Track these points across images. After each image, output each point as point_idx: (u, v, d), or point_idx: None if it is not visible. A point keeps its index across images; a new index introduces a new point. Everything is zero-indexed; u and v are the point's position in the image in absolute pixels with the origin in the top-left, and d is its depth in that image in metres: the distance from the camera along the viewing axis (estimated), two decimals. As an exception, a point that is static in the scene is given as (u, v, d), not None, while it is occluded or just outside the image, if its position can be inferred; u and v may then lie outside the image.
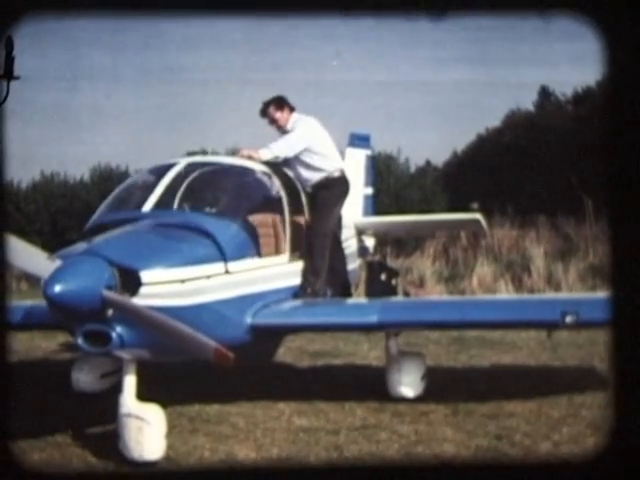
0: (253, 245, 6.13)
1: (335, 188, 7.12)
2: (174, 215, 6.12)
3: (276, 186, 6.76)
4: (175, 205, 6.41)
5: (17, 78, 4.34)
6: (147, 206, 5.89)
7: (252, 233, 6.18)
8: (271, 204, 6.65)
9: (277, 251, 6.46)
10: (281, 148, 6.90)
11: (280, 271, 6.45)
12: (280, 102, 7.10)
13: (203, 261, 5.50)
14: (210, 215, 6.29)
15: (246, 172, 6.79)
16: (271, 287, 6.33)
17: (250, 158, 6.80)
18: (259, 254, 6.17)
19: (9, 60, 4.26)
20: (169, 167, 6.39)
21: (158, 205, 5.96)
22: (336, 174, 7.12)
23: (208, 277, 5.50)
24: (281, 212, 6.60)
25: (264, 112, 7.14)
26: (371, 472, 2.90)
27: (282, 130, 7.11)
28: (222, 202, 6.66)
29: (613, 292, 2.73)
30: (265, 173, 6.83)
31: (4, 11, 2.87)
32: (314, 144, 6.96)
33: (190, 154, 7.18)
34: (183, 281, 5.29)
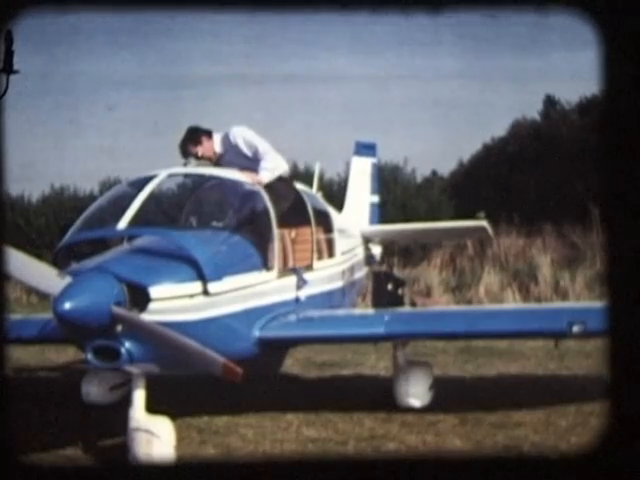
0: (259, 258, 6.16)
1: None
2: (149, 232, 5.79)
3: (264, 199, 6.46)
4: (183, 219, 6.46)
5: (17, 72, 4.37)
6: (123, 223, 5.60)
7: (257, 246, 6.19)
8: (260, 217, 6.40)
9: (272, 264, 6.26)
10: (274, 165, 6.67)
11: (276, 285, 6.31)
12: (194, 136, 6.77)
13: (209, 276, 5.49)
14: (197, 231, 6.18)
15: (234, 183, 6.63)
16: (279, 299, 6.37)
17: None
18: (266, 267, 6.19)
19: (9, 54, 4.30)
20: (148, 180, 6.03)
21: (135, 221, 5.64)
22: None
23: (216, 292, 5.51)
24: (269, 225, 6.32)
25: (185, 152, 6.80)
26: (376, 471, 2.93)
27: (213, 159, 6.84)
28: (214, 216, 6.59)
29: (611, 300, 2.76)
30: (251, 185, 6.57)
31: (4, 5, 2.90)
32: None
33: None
34: (192, 296, 5.34)
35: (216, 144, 6.87)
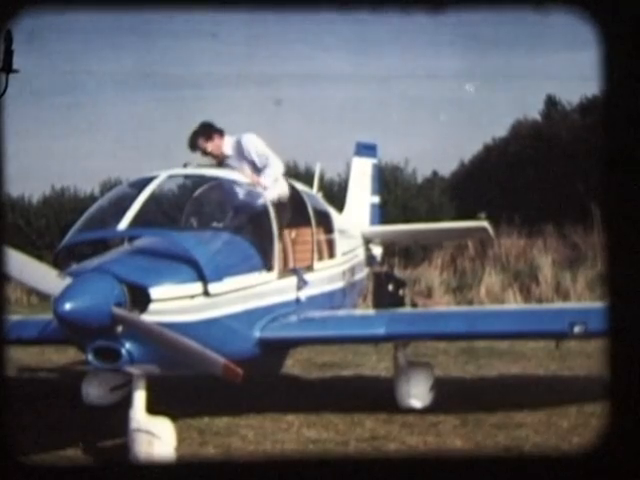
0: (259, 258, 6.15)
1: None
2: (149, 233, 5.81)
3: (264, 199, 6.49)
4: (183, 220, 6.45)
5: (16, 71, 4.38)
6: (123, 224, 5.60)
7: (258, 247, 6.19)
8: (261, 218, 6.40)
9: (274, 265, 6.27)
10: (278, 173, 6.79)
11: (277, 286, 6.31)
12: (207, 131, 6.83)
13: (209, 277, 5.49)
14: (196, 232, 6.17)
15: (234, 184, 6.64)
16: (280, 300, 6.37)
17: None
18: (266, 267, 6.19)
19: (8, 54, 4.30)
20: (148, 181, 6.06)
21: (136, 222, 5.64)
22: None
23: (216, 293, 5.50)
24: (269, 226, 6.33)
25: (194, 146, 6.85)
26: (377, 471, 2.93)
27: (219, 158, 6.89)
28: (214, 217, 6.58)
29: (611, 300, 2.76)
30: (250, 185, 6.62)
31: (4, 5, 2.90)
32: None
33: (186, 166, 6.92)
34: (192, 297, 5.33)
35: (226, 145, 6.89)
